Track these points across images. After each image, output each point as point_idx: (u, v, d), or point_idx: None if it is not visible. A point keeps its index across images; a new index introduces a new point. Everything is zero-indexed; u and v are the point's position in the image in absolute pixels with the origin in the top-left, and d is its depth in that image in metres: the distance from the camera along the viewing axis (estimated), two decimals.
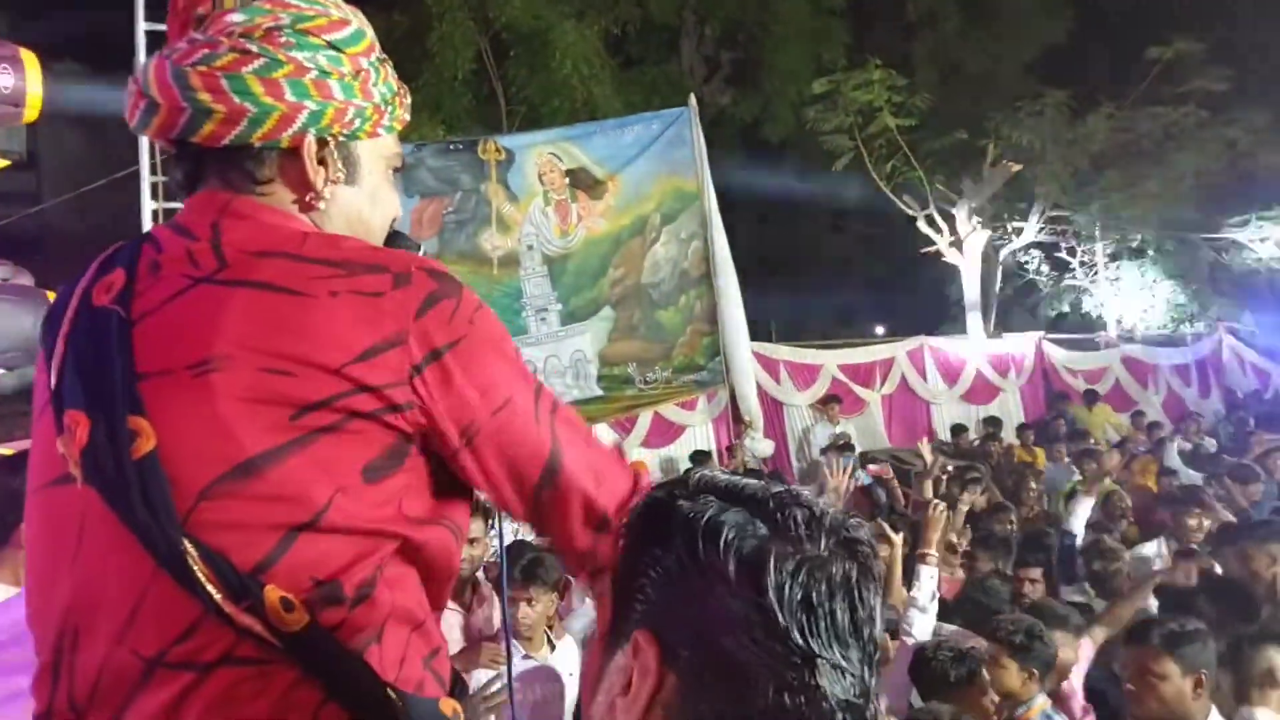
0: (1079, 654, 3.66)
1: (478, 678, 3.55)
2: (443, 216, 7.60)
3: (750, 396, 8.68)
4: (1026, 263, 17.37)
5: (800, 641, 0.70)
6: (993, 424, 10.93)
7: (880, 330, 20.37)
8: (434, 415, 1.11)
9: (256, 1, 1.17)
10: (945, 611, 4.00)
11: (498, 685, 3.03)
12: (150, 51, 4.71)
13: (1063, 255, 16.88)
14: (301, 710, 1.04)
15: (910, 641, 3.53)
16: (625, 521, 0.82)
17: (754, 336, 9.22)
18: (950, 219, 14.76)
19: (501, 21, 12.17)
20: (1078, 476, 7.80)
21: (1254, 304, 16.35)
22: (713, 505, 0.75)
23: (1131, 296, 16.84)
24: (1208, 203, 14.27)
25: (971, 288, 15.04)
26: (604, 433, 8.37)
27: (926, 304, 18.93)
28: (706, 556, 0.73)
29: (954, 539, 5.07)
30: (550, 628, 3.88)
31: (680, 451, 9.52)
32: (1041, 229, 15.10)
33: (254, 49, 1.15)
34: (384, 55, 1.28)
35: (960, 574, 5.01)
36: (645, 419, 9.32)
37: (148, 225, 5.72)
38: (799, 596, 0.71)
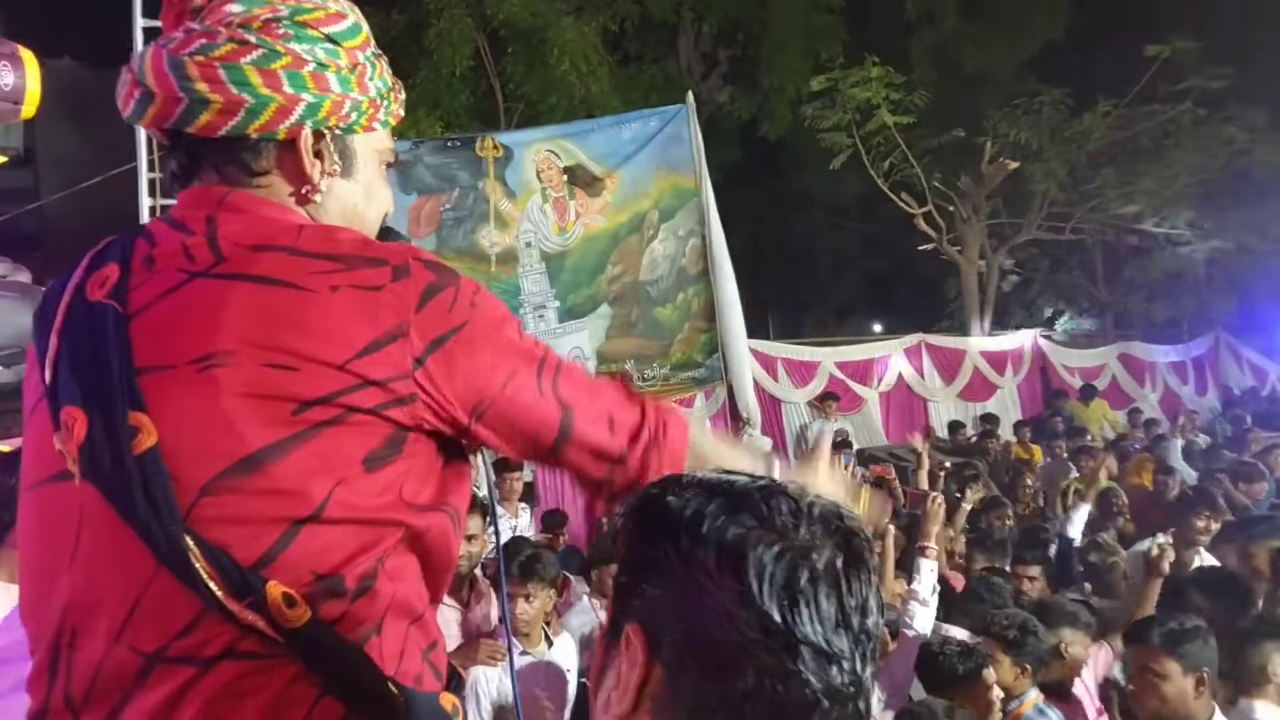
0: (1098, 658, 3.66)
1: (474, 675, 3.55)
2: (440, 213, 7.60)
3: (748, 393, 8.69)
4: (1024, 260, 17.39)
5: (781, 627, 0.70)
6: (990, 421, 10.99)
7: (878, 327, 20.43)
8: (440, 402, 1.11)
9: None
10: (949, 609, 3.99)
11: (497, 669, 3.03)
12: None
13: (1060, 253, 16.90)
14: (299, 704, 1.04)
15: (910, 634, 3.53)
16: (621, 521, 0.83)
17: (752, 334, 9.22)
18: (948, 216, 14.76)
19: (499, 18, 12.15)
20: (1075, 473, 7.81)
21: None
22: (698, 499, 0.77)
23: (1126, 293, 16.87)
24: (1205, 201, 14.27)
25: (969, 285, 15.05)
26: None
27: (924, 301, 18.97)
28: (690, 548, 0.74)
29: (951, 536, 5.07)
30: (548, 623, 3.88)
31: None
32: (1039, 226, 15.10)
33: (252, 40, 1.15)
34: (379, 50, 1.28)
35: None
36: None
37: (145, 222, 5.70)
38: (780, 583, 0.71)
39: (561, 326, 7.91)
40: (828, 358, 11.16)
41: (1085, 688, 3.59)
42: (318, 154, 1.21)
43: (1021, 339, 13.67)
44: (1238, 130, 13.47)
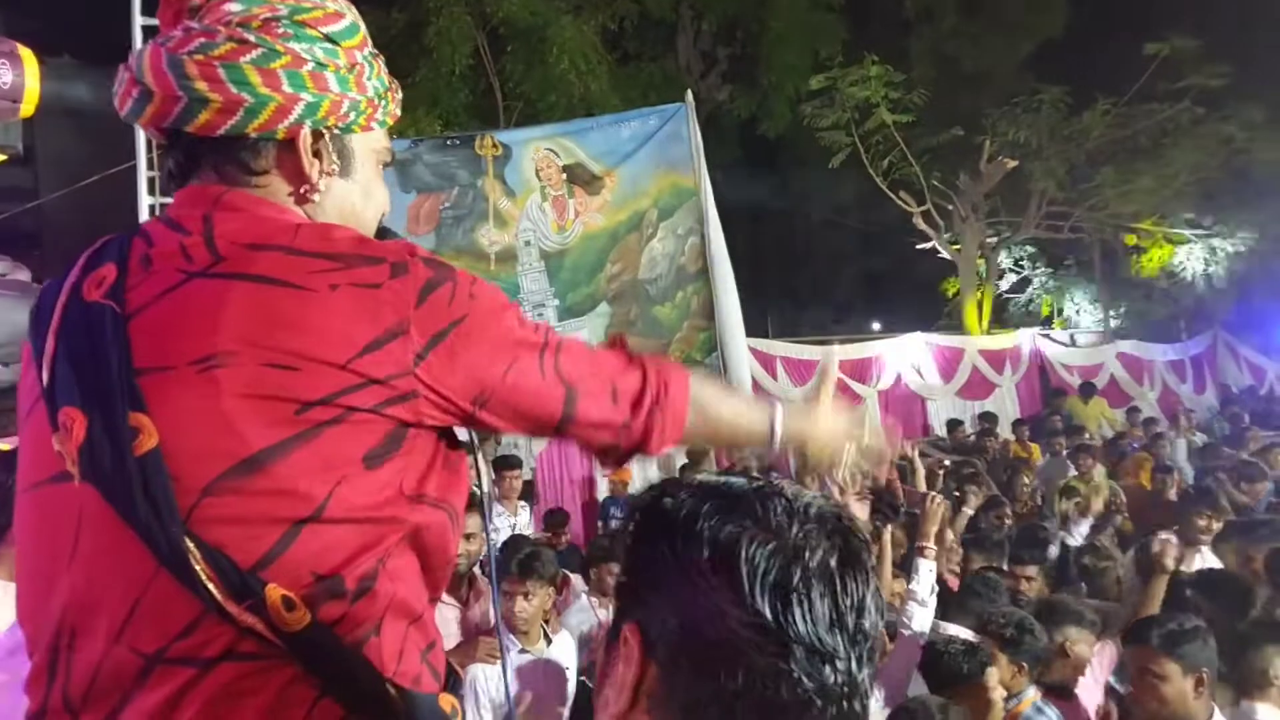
0: (1102, 657, 3.65)
1: (473, 673, 3.55)
2: (440, 212, 7.60)
3: (747, 392, 8.68)
4: (1022, 258, 17.39)
5: (773, 626, 0.70)
6: (988, 419, 10.97)
7: (877, 326, 20.39)
8: (443, 395, 1.11)
9: None
10: (944, 607, 3.99)
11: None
12: None
13: (1059, 251, 16.89)
14: (298, 706, 1.04)
15: (908, 634, 3.52)
16: (623, 524, 0.84)
17: (750, 332, 9.20)
18: (947, 215, 14.77)
19: (499, 17, 12.15)
20: (1073, 472, 7.81)
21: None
22: (693, 500, 0.77)
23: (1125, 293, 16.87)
24: (1204, 199, 14.29)
25: (968, 284, 15.05)
26: None
27: (923, 300, 18.94)
28: (685, 548, 0.75)
29: (950, 542, 5.05)
30: (547, 621, 3.88)
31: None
32: (1038, 225, 15.11)
33: (252, 39, 1.15)
34: (376, 50, 1.28)
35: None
36: None
37: (144, 220, 5.70)
38: (773, 581, 0.71)
39: (561, 325, 7.90)
40: (826, 356, 11.15)
41: (1093, 684, 3.57)
42: (316, 153, 1.20)
43: (1020, 338, 13.66)
44: (1236, 128, 13.49)
